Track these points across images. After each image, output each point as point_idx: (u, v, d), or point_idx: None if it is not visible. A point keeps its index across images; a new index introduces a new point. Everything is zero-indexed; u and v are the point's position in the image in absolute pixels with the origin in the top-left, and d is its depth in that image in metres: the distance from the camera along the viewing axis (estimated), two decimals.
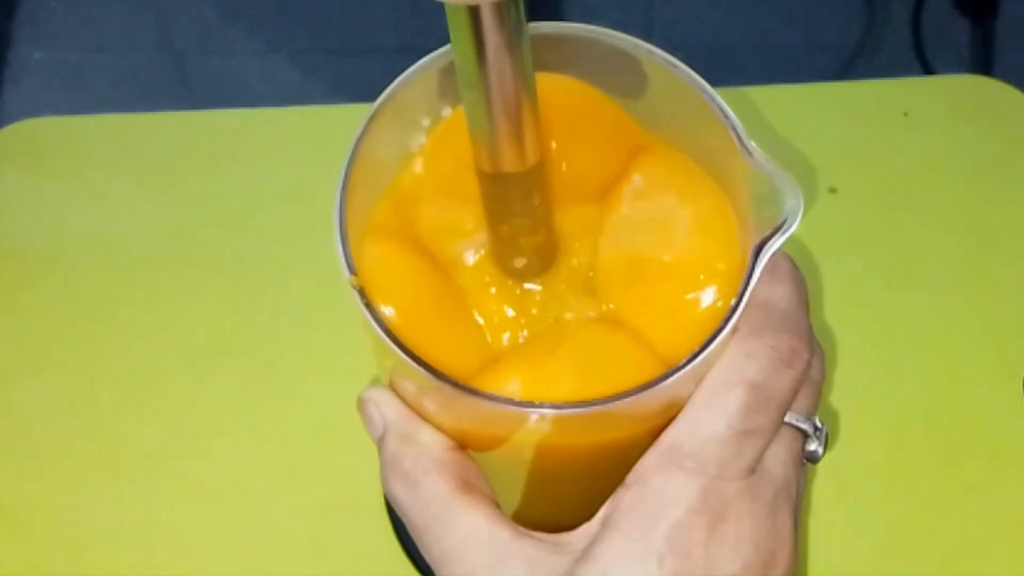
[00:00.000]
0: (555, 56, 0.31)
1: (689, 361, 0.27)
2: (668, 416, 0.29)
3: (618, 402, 0.27)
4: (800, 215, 0.28)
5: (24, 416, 0.47)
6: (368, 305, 0.28)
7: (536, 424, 0.28)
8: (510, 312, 0.31)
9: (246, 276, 0.50)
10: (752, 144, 0.29)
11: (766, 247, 0.28)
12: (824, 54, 1.07)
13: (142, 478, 0.46)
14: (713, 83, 0.30)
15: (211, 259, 0.51)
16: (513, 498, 0.33)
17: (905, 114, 0.55)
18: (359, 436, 0.46)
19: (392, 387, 0.31)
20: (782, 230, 0.28)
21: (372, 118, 0.30)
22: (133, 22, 1.10)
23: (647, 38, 0.30)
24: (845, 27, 1.08)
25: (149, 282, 0.50)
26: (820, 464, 0.31)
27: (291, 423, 0.47)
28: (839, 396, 0.47)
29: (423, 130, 0.32)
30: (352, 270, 0.28)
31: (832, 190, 0.52)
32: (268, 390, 0.48)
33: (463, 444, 0.30)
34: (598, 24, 0.31)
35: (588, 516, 0.29)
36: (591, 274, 0.31)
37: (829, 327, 0.49)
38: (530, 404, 0.27)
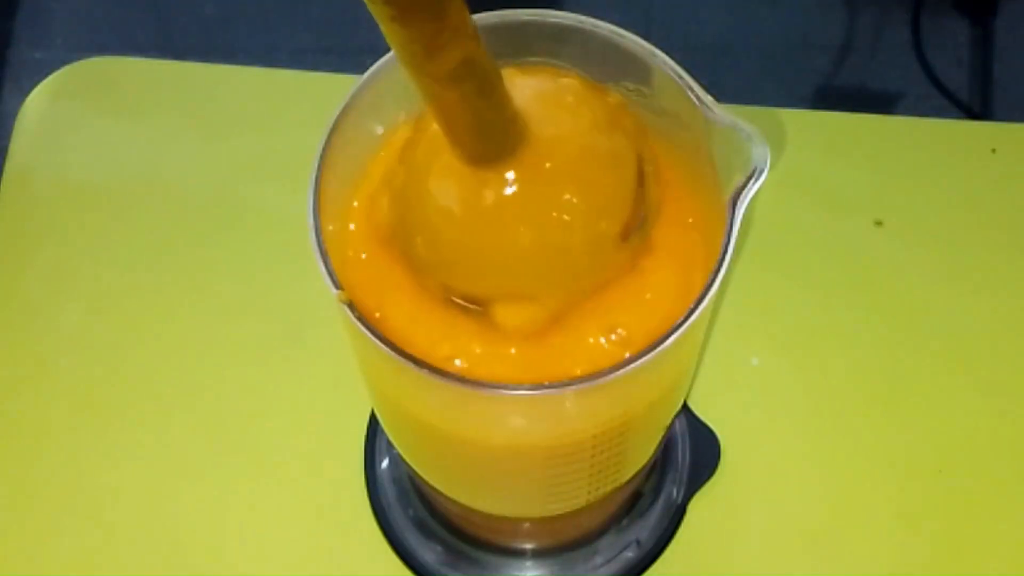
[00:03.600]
0: (510, 42, 0.31)
1: (658, 344, 0.27)
2: (622, 420, 0.29)
3: (582, 384, 0.27)
4: (768, 159, 0.28)
5: (58, 342, 0.48)
6: (360, 318, 0.28)
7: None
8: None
9: (280, 241, 0.50)
10: (709, 99, 0.29)
11: (741, 197, 0.28)
12: (824, 54, 1.07)
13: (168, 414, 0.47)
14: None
15: (257, 215, 0.51)
16: (478, 487, 0.34)
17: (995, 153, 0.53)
18: (350, 432, 0.46)
19: (383, 408, 0.31)
20: (754, 177, 0.28)
21: (341, 114, 0.30)
22: (133, 22, 1.10)
23: (646, 38, 0.30)
24: (845, 27, 1.08)
25: (194, 229, 0.51)
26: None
27: (289, 419, 0.47)
28: (881, 428, 0.46)
29: (399, 124, 0.32)
30: (338, 286, 0.28)
31: (878, 223, 0.51)
32: (287, 363, 0.48)
33: (458, 443, 0.30)
34: None
35: (543, 512, 0.28)
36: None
37: (870, 362, 0.48)
38: (546, 385, 0.27)
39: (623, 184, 0.29)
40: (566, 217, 0.28)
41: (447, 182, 0.28)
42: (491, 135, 0.27)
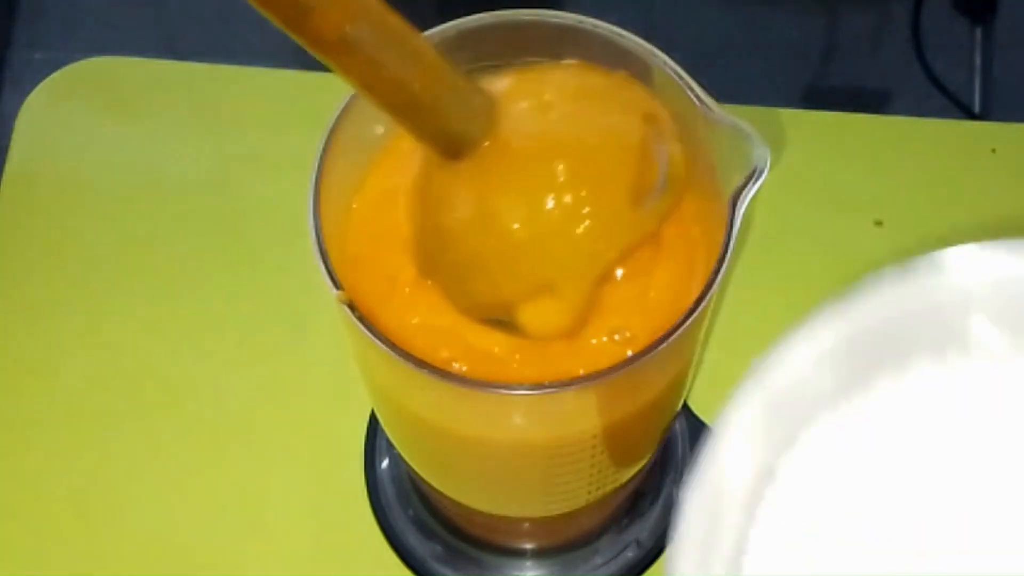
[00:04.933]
0: (510, 42, 0.31)
1: (658, 343, 0.27)
2: (622, 420, 0.29)
3: (582, 384, 0.27)
4: (768, 159, 0.28)
5: (58, 341, 0.48)
6: (361, 318, 0.28)
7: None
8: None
9: (280, 241, 0.50)
10: (709, 99, 0.29)
11: (741, 197, 0.28)
12: (823, 54, 1.07)
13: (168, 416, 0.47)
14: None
15: (257, 215, 0.51)
16: (478, 487, 0.34)
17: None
18: (350, 432, 0.46)
19: (383, 408, 0.31)
20: (754, 177, 0.28)
21: (342, 114, 0.30)
22: (133, 22, 1.10)
23: (646, 38, 0.30)
24: (845, 27, 1.08)
25: (194, 229, 0.50)
26: None
27: (287, 413, 0.47)
28: None
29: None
30: (338, 286, 0.28)
31: (878, 223, 0.51)
32: (286, 359, 0.48)
33: (458, 443, 0.30)
34: None
35: (543, 512, 0.28)
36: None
37: None
38: (547, 384, 0.27)
39: (622, 147, 0.27)
40: (558, 191, 0.26)
41: (433, 195, 0.28)
42: (442, 114, 0.26)
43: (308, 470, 0.46)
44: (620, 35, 0.30)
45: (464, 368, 0.29)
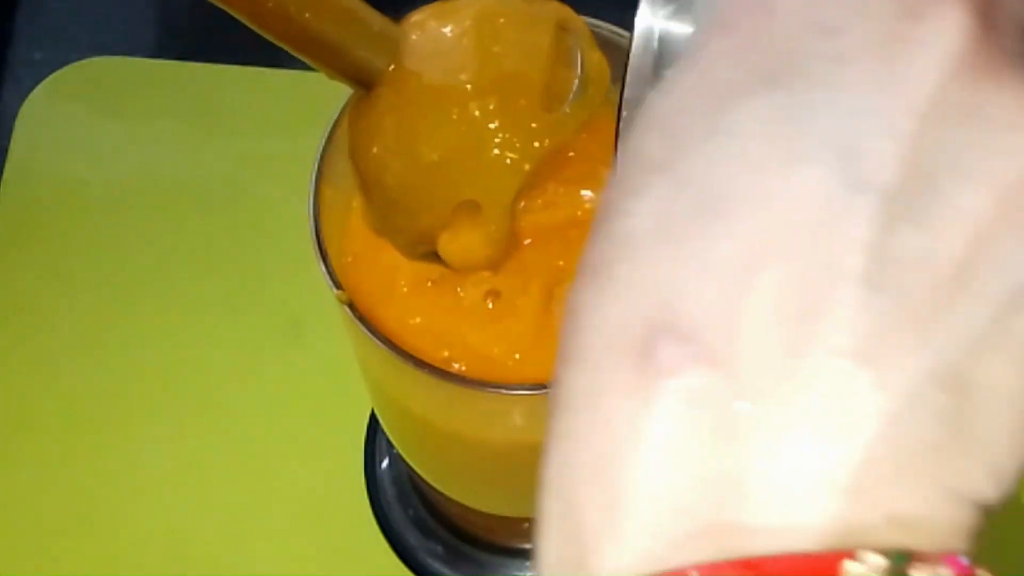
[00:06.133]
0: None
1: None
2: None
3: None
4: None
5: (58, 341, 0.48)
6: (361, 318, 0.28)
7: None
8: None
9: (280, 241, 0.50)
10: None
11: None
12: None
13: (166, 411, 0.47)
14: None
15: (257, 216, 0.51)
16: (478, 487, 0.34)
17: None
18: (350, 433, 0.46)
19: (384, 408, 0.31)
20: None
21: (341, 114, 0.30)
22: (133, 22, 1.10)
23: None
24: None
25: (193, 229, 0.50)
26: None
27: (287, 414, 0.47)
28: None
29: None
30: (338, 286, 0.28)
31: None
32: (282, 358, 0.48)
33: (458, 442, 0.30)
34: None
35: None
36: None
37: None
38: (547, 384, 0.27)
39: (530, 55, 0.27)
40: (466, 103, 0.26)
41: (358, 133, 0.28)
42: (341, 44, 0.26)
43: (308, 470, 0.46)
44: (620, 35, 0.30)
45: (464, 368, 0.29)
